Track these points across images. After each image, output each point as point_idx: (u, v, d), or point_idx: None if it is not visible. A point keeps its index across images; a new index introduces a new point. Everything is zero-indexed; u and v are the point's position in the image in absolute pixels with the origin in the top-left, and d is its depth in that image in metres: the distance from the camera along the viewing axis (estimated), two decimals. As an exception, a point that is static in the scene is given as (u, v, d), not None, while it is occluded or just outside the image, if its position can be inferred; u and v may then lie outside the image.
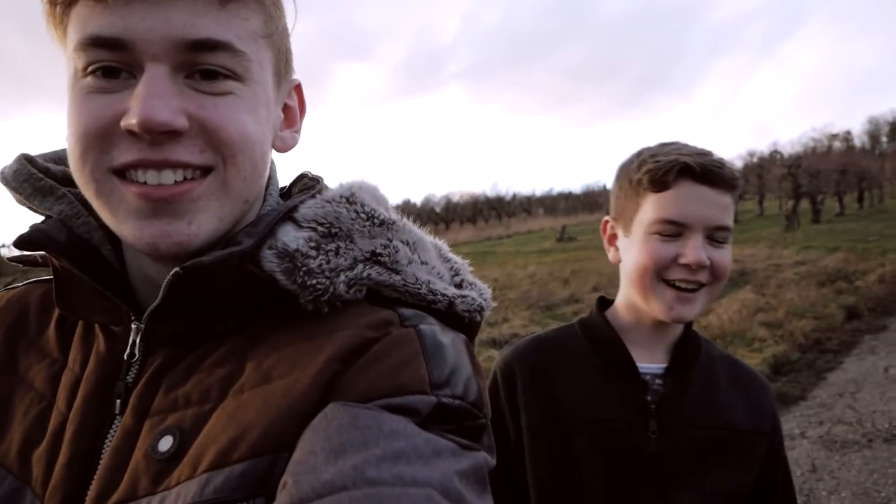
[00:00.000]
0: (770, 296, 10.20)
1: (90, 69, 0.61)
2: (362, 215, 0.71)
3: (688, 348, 1.28)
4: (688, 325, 1.31)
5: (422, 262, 0.73)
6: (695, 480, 1.19)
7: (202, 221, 0.64)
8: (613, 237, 1.33)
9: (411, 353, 0.63)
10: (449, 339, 0.67)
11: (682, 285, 1.18)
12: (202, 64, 0.62)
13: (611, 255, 1.33)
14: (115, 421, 0.67)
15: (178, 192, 0.62)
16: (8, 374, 0.75)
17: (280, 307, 0.69)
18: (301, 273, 0.67)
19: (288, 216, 0.71)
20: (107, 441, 0.66)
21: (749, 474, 1.22)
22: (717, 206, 1.17)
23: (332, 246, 0.69)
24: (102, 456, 0.65)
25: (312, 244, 0.68)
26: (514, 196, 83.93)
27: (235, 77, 0.64)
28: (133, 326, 0.70)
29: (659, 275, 1.19)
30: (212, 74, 0.63)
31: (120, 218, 0.63)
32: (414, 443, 0.55)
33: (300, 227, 0.70)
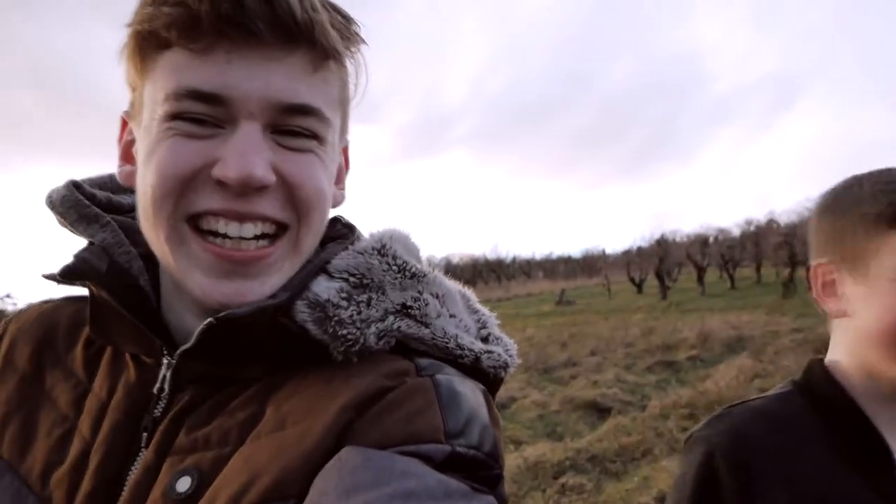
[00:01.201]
0: (767, 362, 10.19)
1: (180, 114, 0.62)
2: (394, 267, 0.71)
3: None
4: None
5: (450, 315, 0.73)
6: None
7: (275, 282, 0.66)
8: (831, 285, 1.05)
9: (426, 402, 0.63)
10: (467, 389, 0.66)
11: None
12: (291, 125, 0.64)
13: (830, 307, 1.06)
14: (140, 454, 0.67)
15: (258, 256, 0.64)
16: (35, 388, 0.75)
17: (308, 355, 0.68)
18: (332, 323, 0.66)
19: (321, 267, 0.72)
20: (130, 473, 0.66)
21: None
22: None
23: (364, 297, 0.68)
24: (124, 489, 0.64)
25: (344, 295, 0.67)
26: (514, 259, 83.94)
27: (316, 138, 0.66)
28: (165, 361, 0.70)
29: None
30: (296, 133, 0.65)
31: (188, 270, 0.64)
32: (426, 483, 0.54)
33: (332, 277, 0.70)
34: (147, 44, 0.63)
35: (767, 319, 16.46)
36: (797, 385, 1.09)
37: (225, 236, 0.63)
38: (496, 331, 0.78)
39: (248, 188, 0.61)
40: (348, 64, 0.70)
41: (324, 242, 0.75)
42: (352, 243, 0.75)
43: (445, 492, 0.54)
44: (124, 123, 0.73)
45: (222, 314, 0.63)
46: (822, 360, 1.09)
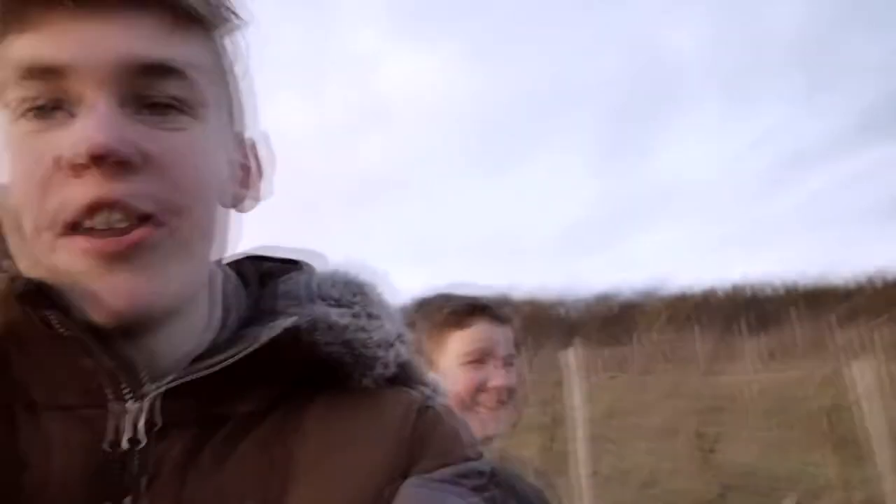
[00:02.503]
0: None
1: (22, 112, 0.55)
2: (383, 298, 0.72)
3: None
4: None
5: None
6: None
7: (162, 279, 0.57)
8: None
9: (452, 426, 0.67)
10: None
11: None
12: (151, 96, 0.56)
13: None
14: None
15: (132, 241, 0.54)
16: None
17: (313, 383, 0.65)
18: (361, 349, 0.65)
19: (316, 294, 0.69)
20: None
21: None
22: None
23: (376, 324, 0.67)
24: None
25: (360, 321, 0.67)
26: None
27: (189, 112, 0.58)
28: (131, 406, 0.58)
29: None
30: (162, 109, 0.57)
31: (71, 286, 0.55)
32: None
33: (333, 304, 0.68)
34: None
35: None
36: None
37: (93, 230, 0.54)
38: None
39: (103, 163, 0.52)
40: (219, 37, 0.63)
41: (263, 275, 0.73)
42: (307, 272, 0.72)
43: None
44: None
45: (238, 352, 0.58)
46: None
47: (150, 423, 0.58)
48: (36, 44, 0.55)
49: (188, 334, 0.62)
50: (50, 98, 0.55)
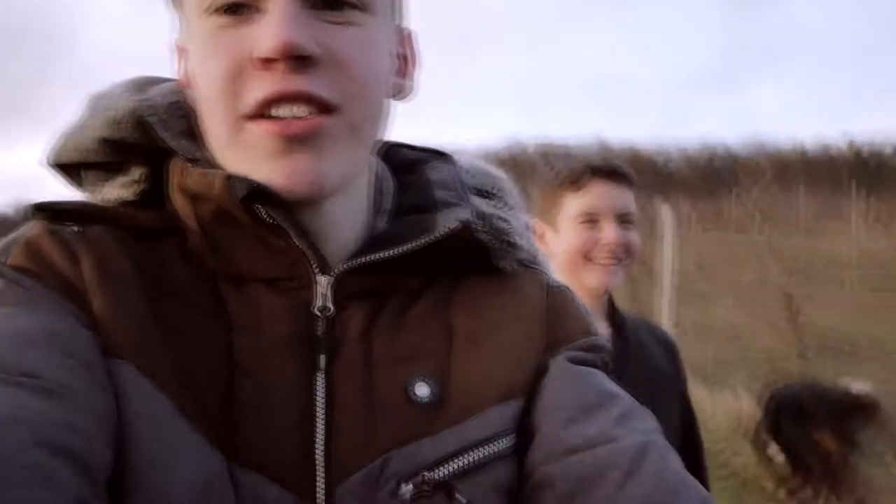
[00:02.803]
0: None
1: (213, 8, 0.60)
2: (514, 190, 0.80)
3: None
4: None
5: None
6: None
7: (333, 162, 0.62)
8: (542, 236, 1.59)
9: (578, 304, 0.77)
10: None
11: None
12: None
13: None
14: (318, 378, 0.62)
15: (311, 126, 0.60)
16: (172, 336, 0.61)
17: (463, 265, 0.72)
18: (504, 236, 0.73)
19: (468, 186, 0.76)
20: (316, 397, 0.61)
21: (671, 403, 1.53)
22: None
23: (513, 213, 0.76)
24: (321, 417, 0.61)
25: (501, 211, 0.76)
26: None
27: (360, 7, 0.62)
28: (319, 279, 0.65)
29: None
30: (339, 5, 0.61)
31: (255, 163, 0.61)
32: (628, 403, 0.67)
33: (478, 195, 0.76)
34: None
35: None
36: None
37: (278, 118, 0.60)
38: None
39: (291, 58, 0.57)
40: None
41: (407, 162, 0.78)
42: (451, 163, 0.78)
43: (637, 408, 0.67)
44: (178, 52, 0.70)
45: (417, 243, 0.66)
46: None
47: (337, 294, 0.65)
48: None
49: (353, 213, 0.69)
50: (238, 2, 0.59)
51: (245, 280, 0.66)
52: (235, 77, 0.59)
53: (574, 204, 1.48)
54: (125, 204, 0.68)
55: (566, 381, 0.68)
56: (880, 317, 7.62)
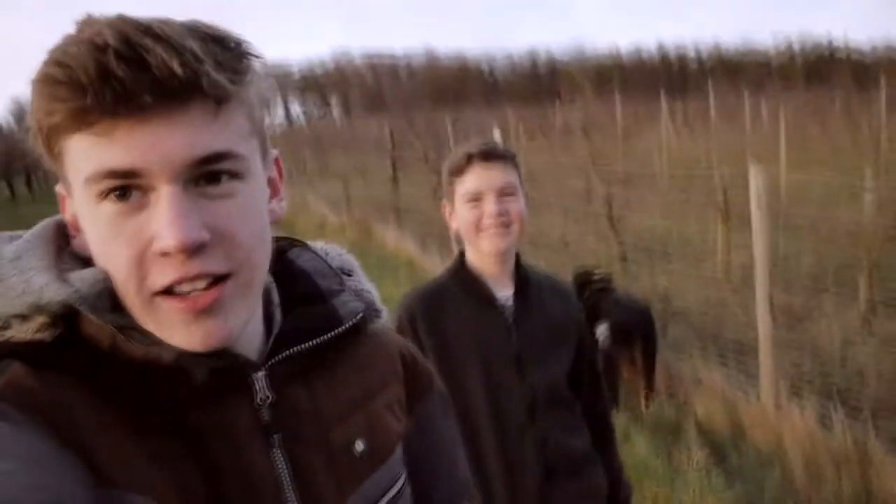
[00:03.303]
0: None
1: (103, 195, 0.64)
2: (358, 265, 0.94)
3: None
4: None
5: None
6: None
7: (237, 318, 0.70)
8: (446, 208, 1.87)
9: (417, 355, 0.98)
10: None
11: None
12: (208, 174, 0.66)
13: (451, 224, 1.87)
14: (277, 454, 0.74)
15: (212, 298, 0.67)
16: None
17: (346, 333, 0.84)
18: (374, 306, 0.89)
19: (339, 271, 0.90)
20: (280, 471, 0.73)
21: (570, 353, 1.84)
22: None
23: (371, 285, 0.92)
24: (289, 487, 0.73)
25: (364, 285, 0.91)
26: None
27: (237, 175, 0.68)
28: (256, 376, 0.75)
29: None
30: (215, 178, 0.67)
31: (169, 329, 0.67)
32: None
33: (345, 275, 0.90)
34: (52, 133, 0.64)
35: None
36: (450, 268, 1.87)
37: (183, 294, 0.66)
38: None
39: (189, 252, 0.64)
40: (249, 90, 0.70)
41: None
42: (312, 250, 0.90)
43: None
44: (62, 198, 0.73)
45: (331, 334, 0.80)
46: (462, 251, 1.85)
47: (273, 382, 0.76)
48: (111, 149, 0.62)
49: (256, 317, 0.78)
50: (126, 186, 0.64)
51: (202, 430, 0.72)
52: (140, 263, 0.65)
53: (461, 187, 1.76)
54: (42, 344, 0.67)
55: (434, 402, 0.96)
56: (686, 217, 8.43)
